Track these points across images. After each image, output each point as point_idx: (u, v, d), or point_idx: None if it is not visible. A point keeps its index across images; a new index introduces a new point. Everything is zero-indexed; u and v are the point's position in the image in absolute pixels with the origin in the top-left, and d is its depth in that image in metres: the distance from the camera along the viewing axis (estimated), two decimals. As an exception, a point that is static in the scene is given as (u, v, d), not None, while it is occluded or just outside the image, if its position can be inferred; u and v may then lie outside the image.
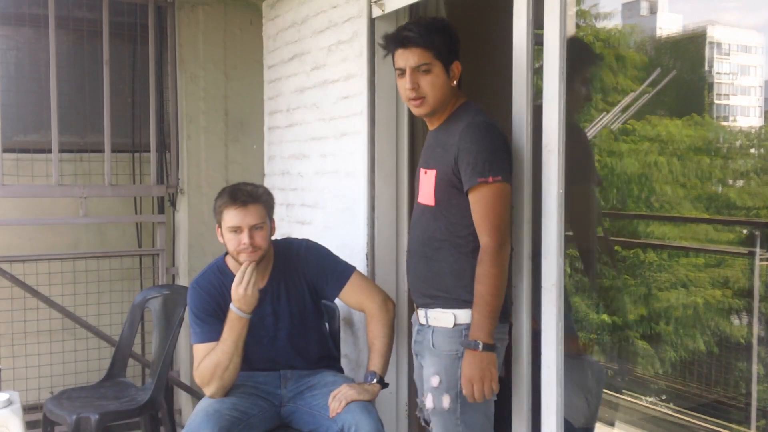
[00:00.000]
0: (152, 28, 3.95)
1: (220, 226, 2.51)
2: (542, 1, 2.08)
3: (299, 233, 3.41)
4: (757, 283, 3.38)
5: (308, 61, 3.46)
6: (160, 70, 4.06)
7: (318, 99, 3.35)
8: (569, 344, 2.58)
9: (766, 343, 3.43)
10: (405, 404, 2.91)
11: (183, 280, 4.03)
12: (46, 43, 3.69)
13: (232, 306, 2.40)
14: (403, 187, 2.94)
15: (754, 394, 3.29)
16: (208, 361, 2.41)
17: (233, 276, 2.44)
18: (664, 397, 3.96)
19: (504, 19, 2.25)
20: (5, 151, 3.68)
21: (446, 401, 2.03)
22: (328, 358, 2.68)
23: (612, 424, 3.43)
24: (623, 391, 3.78)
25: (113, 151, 3.89)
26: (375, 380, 2.41)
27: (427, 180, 2.08)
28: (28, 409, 3.29)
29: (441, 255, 2.07)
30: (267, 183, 4.03)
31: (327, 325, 2.80)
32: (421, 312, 2.15)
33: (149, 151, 4.01)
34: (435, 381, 2.05)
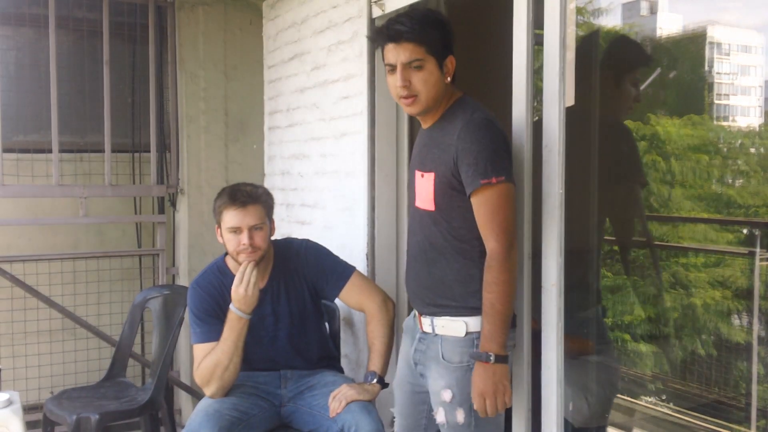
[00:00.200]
0: (152, 28, 3.95)
1: (219, 226, 2.51)
2: (542, 1, 2.08)
3: (299, 233, 3.41)
4: (757, 283, 3.38)
5: (308, 61, 3.46)
6: (160, 70, 4.06)
7: (318, 99, 3.35)
8: (582, 346, 2.60)
9: (766, 343, 3.43)
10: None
11: (183, 280, 4.03)
12: (46, 43, 3.69)
13: (232, 306, 2.40)
14: (403, 187, 2.94)
15: (754, 394, 3.29)
16: (208, 361, 2.41)
17: (233, 276, 2.44)
18: (663, 397, 3.96)
19: (504, 19, 2.25)
20: (5, 151, 3.68)
21: (460, 416, 1.91)
22: (328, 358, 2.68)
23: (612, 424, 3.43)
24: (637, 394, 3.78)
25: (113, 151, 3.89)
26: (375, 380, 2.41)
27: (425, 183, 1.95)
28: (28, 409, 3.29)
29: (445, 262, 1.96)
30: (267, 183, 4.03)
31: (327, 325, 2.80)
32: (425, 320, 2.02)
33: (149, 151, 4.01)
34: (447, 395, 1.93)
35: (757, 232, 3.58)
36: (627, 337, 3.86)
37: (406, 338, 2.18)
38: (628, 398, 3.60)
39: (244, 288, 2.38)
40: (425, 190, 1.96)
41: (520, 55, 2.17)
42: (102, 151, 3.86)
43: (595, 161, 2.62)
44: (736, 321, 3.93)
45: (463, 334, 1.93)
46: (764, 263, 3.42)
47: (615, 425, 3.26)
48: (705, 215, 4.19)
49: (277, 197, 3.20)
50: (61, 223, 4.00)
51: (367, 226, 2.93)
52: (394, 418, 2.23)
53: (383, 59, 1.98)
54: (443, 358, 1.95)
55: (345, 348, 2.99)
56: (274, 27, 3.92)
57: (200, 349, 2.46)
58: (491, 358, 1.82)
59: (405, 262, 2.39)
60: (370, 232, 2.93)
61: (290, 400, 2.53)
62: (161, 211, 4.19)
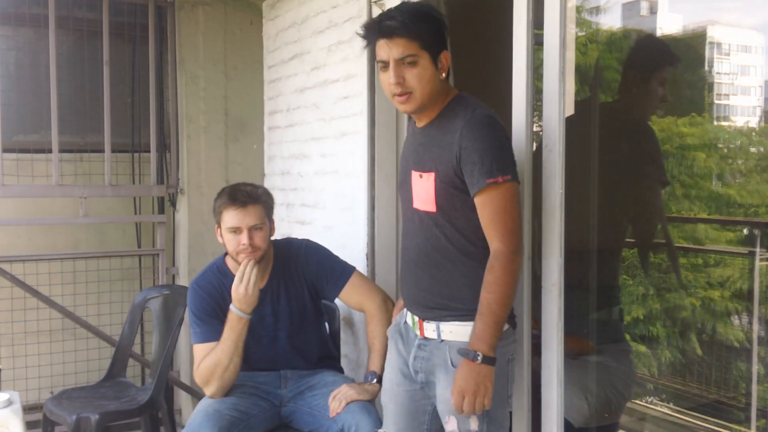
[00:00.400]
0: (152, 28, 3.95)
1: (219, 226, 2.51)
2: (542, 1, 2.08)
3: (299, 233, 3.41)
4: (757, 283, 3.38)
5: (308, 61, 3.46)
6: (160, 70, 4.06)
7: (318, 99, 3.35)
8: (583, 346, 2.60)
9: (766, 344, 3.43)
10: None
11: (183, 280, 4.03)
12: (46, 43, 3.69)
13: (232, 307, 2.40)
14: (404, 187, 2.94)
15: (754, 394, 3.29)
16: (208, 361, 2.41)
17: (233, 276, 2.44)
18: (663, 396, 3.96)
19: (504, 19, 2.25)
20: (5, 151, 3.68)
21: (474, 423, 1.85)
22: (328, 358, 2.68)
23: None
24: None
25: (113, 151, 3.89)
26: (375, 380, 2.41)
27: (425, 184, 1.88)
28: (28, 409, 3.29)
29: (450, 264, 1.89)
30: (267, 183, 4.03)
31: (327, 325, 2.80)
32: (429, 325, 1.94)
33: (149, 151, 4.01)
34: None
35: (757, 232, 3.57)
36: (627, 337, 3.87)
37: (397, 346, 2.08)
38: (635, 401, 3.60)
39: (244, 287, 2.38)
40: (425, 190, 1.89)
41: (520, 55, 2.17)
42: (102, 151, 3.86)
43: (621, 161, 2.64)
44: (735, 321, 3.93)
45: None
46: (764, 263, 3.42)
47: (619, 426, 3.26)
48: (704, 215, 4.20)
49: (277, 197, 3.20)
50: (61, 223, 4.00)
51: (367, 226, 2.93)
52: None
53: (375, 56, 1.91)
54: (453, 365, 1.86)
55: (345, 348, 2.99)
56: (274, 27, 3.92)
57: (200, 349, 2.46)
58: (479, 357, 1.77)
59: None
60: (370, 232, 2.93)
61: (290, 400, 2.53)
62: (161, 211, 4.19)
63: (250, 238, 2.43)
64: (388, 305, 2.56)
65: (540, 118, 2.12)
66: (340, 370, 2.71)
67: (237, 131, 4.17)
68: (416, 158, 1.93)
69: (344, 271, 2.61)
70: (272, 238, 2.58)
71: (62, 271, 3.92)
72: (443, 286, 1.91)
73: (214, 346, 2.42)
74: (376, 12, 2.85)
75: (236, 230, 2.44)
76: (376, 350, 2.47)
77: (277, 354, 2.58)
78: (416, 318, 1.99)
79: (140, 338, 4.03)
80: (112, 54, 3.84)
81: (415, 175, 1.92)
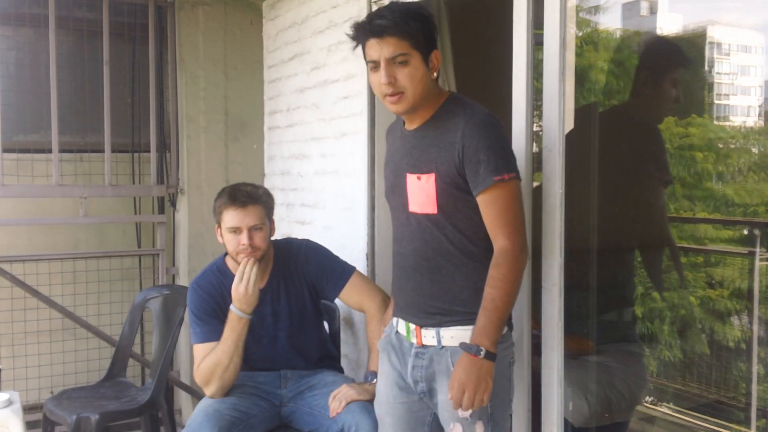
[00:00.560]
0: (152, 28, 3.95)
1: (219, 226, 2.51)
2: (542, 1, 2.08)
3: (299, 233, 3.41)
4: (756, 283, 3.38)
5: (308, 61, 3.46)
6: (160, 70, 4.06)
7: (318, 99, 3.35)
8: (583, 346, 2.61)
9: (766, 344, 3.43)
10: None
11: (183, 280, 4.03)
12: (46, 43, 3.69)
13: (232, 307, 2.40)
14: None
15: (754, 394, 3.29)
16: (209, 361, 2.41)
17: (233, 276, 2.44)
18: (663, 396, 3.97)
19: (505, 19, 2.25)
20: (5, 151, 3.68)
21: (480, 429, 1.83)
22: (328, 358, 2.68)
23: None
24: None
25: (113, 151, 3.89)
26: (375, 380, 2.41)
27: (424, 186, 1.84)
28: (28, 409, 3.28)
29: (452, 267, 1.86)
30: (267, 183, 4.03)
31: (327, 325, 2.80)
32: (427, 332, 1.90)
33: (149, 151, 4.01)
34: (466, 411, 1.83)
35: (756, 232, 3.57)
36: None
37: (389, 358, 2.03)
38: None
39: (244, 286, 2.38)
40: (424, 192, 1.85)
41: (520, 55, 2.17)
42: (102, 151, 3.86)
43: (637, 163, 2.65)
44: (735, 321, 3.94)
45: None
46: (764, 263, 3.42)
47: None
48: (703, 215, 4.20)
49: (277, 197, 3.20)
50: (61, 223, 4.00)
51: (367, 226, 2.93)
52: None
53: (364, 57, 1.88)
54: None
55: (345, 348, 2.99)
56: (274, 27, 3.92)
57: (200, 349, 2.46)
58: (481, 352, 1.75)
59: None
60: (370, 232, 2.93)
61: (290, 400, 2.53)
62: (161, 211, 4.19)
63: (250, 238, 2.43)
64: (388, 305, 2.56)
65: (540, 118, 2.12)
66: (340, 370, 2.71)
67: (237, 131, 4.17)
68: (411, 161, 1.89)
69: (344, 271, 2.61)
70: (272, 238, 2.58)
71: (62, 271, 3.92)
72: (445, 290, 1.88)
73: (214, 346, 2.42)
74: (376, 12, 2.85)
75: (236, 230, 2.44)
76: (376, 350, 2.47)
77: (277, 354, 2.58)
78: (412, 326, 1.94)
79: (140, 338, 4.03)
80: (112, 54, 3.84)
81: (411, 177, 1.88)
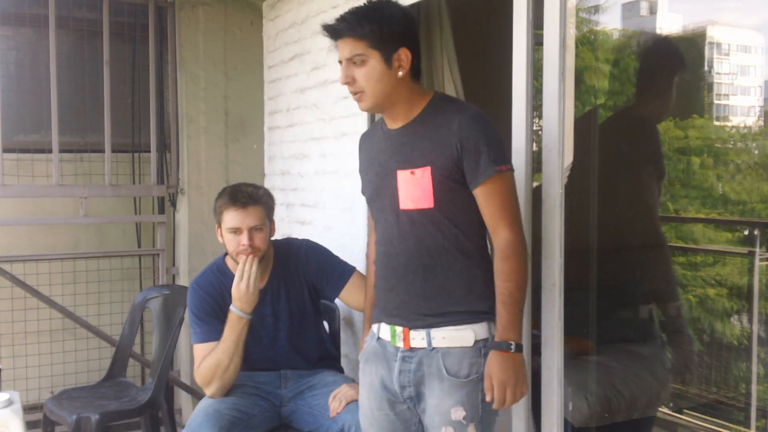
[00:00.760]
0: (152, 28, 3.95)
1: (219, 226, 2.51)
2: (542, 1, 2.08)
3: (299, 233, 3.41)
4: (756, 283, 3.38)
5: (308, 61, 3.46)
6: (160, 70, 4.06)
7: (318, 99, 3.35)
8: (583, 346, 2.62)
9: (766, 344, 3.43)
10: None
11: (183, 280, 4.03)
12: (46, 43, 3.69)
13: (232, 307, 2.40)
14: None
15: (754, 395, 3.29)
16: (209, 361, 2.41)
17: (233, 276, 2.44)
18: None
19: (506, 18, 2.25)
20: (5, 151, 3.68)
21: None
22: (328, 358, 2.68)
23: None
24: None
25: (113, 151, 3.89)
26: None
27: (419, 180, 1.82)
28: (28, 409, 3.28)
29: (446, 264, 1.84)
30: (267, 183, 4.03)
31: (327, 325, 2.80)
32: (416, 334, 1.86)
33: (149, 151, 4.01)
34: (459, 413, 1.81)
35: (756, 232, 3.58)
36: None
37: (372, 367, 1.98)
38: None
39: (245, 284, 2.38)
40: (420, 187, 1.82)
41: (520, 55, 2.18)
42: (102, 151, 3.86)
43: (651, 164, 2.68)
44: (735, 321, 3.93)
45: (471, 343, 1.82)
46: (764, 263, 3.42)
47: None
48: (702, 215, 4.20)
49: (277, 197, 3.20)
50: (61, 223, 4.00)
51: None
52: None
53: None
54: (448, 373, 1.82)
55: (345, 348, 2.99)
56: (274, 27, 3.92)
57: (200, 349, 2.47)
58: (512, 347, 1.76)
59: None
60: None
61: (290, 400, 2.53)
62: (161, 211, 4.19)
63: (251, 238, 2.43)
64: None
65: (540, 118, 2.12)
66: (340, 370, 2.71)
67: (237, 131, 4.17)
68: (401, 158, 1.87)
69: (344, 271, 2.61)
70: (272, 238, 2.58)
71: (62, 271, 3.92)
72: (439, 290, 1.85)
73: (214, 346, 2.42)
74: (376, 12, 2.85)
75: (236, 231, 2.45)
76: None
77: (277, 354, 2.58)
78: (398, 329, 1.90)
79: (140, 338, 4.03)
80: (112, 54, 3.84)
81: (403, 174, 1.85)
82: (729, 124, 4.11)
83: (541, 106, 2.10)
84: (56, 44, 3.70)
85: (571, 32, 2.09)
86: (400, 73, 1.83)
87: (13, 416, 2.55)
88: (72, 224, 4.00)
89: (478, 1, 3.34)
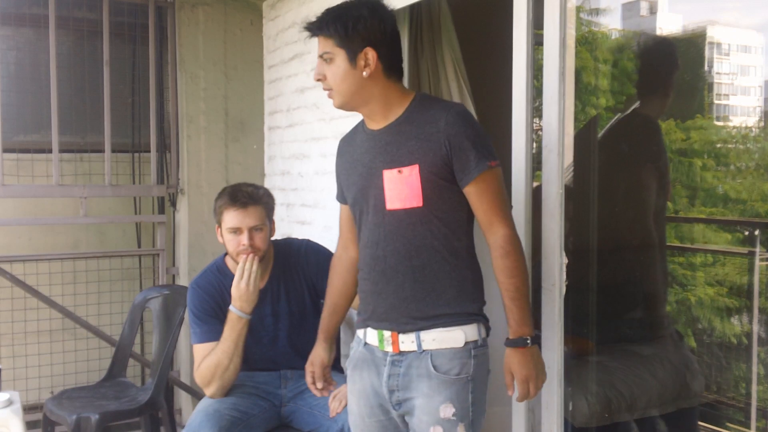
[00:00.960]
0: (152, 28, 3.95)
1: (219, 226, 2.51)
2: (542, 1, 2.08)
3: (299, 233, 3.41)
4: (756, 283, 3.38)
5: (308, 61, 3.46)
6: (160, 70, 4.06)
7: (318, 99, 3.35)
8: (583, 346, 2.64)
9: (766, 343, 3.43)
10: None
11: (183, 280, 4.03)
12: (46, 43, 3.69)
13: (232, 307, 2.40)
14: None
15: (754, 395, 3.29)
16: (209, 361, 2.41)
17: (233, 276, 2.44)
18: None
19: (507, 18, 2.25)
20: (5, 151, 3.68)
21: (461, 431, 1.80)
22: (328, 358, 2.68)
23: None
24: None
25: (113, 151, 3.89)
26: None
27: (407, 178, 1.79)
28: (28, 409, 3.29)
29: (436, 265, 1.81)
30: (267, 183, 4.03)
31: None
32: (405, 337, 1.83)
33: (149, 151, 4.01)
34: (448, 411, 1.78)
35: (756, 232, 3.58)
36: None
37: (360, 374, 1.95)
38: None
39: (245, 282, 2.38)
40: (408, 185, 1.79)
41: (520, 55, 2.18)
42: (102, 151, 3.86)
43: (662, 164, 2.71)
44: (735, 321, 3.94)
45: (461, 344, 1.80)
46: (764, 263, 3.42)
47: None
48: (702, 215, 4.20)
49: (277, 197, 3.20)
50: (61, 223, 4.00)
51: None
52: None
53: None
54: (436, 371, 1.80)
55: (345, 348, 2.99)
56: (274, 27, 3.92)
57: (200, 349, 2.47)
58: (528, 341, 1.77)
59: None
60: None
61: (290, 399, 2.53)
62: (161, 211, 4.19)
63: (251, 238, 2.43)
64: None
65: (540, 118, 2.13)
66: (340, 370, 2.71)
67: (237, 131, 4.17)
68: (386, 157, 1.84)
69: (344, 271, 2.61)
70: (272, 238, 2.58)
71: (62, 271, 3.92)
72: (429, 291, 1.82)
73: (214, 346, 2.42)
74: (376, 12, 2.85)
75: (236, 231, 2.44)
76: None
77: (277, 354, 2.58)
78: (386, 333, 1.86)
79: (140, 338, 4.03)
80: (112, 54, 3.84)
81: (389, 173, 1.82)
82: (729, 124, 4.11)
83: (541, 106, 2.10)
84: (56, 44, 3.70)
85: (571, 32, 2.09)
86: (365, 73, 1.81)
87: (13, 416, 2.55)
88: (72, 224, 4.00)
89: (478, 1, 3.34)
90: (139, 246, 4.19)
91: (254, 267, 2.40)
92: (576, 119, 2.23)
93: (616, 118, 3.02)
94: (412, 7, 2.79)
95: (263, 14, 4.10)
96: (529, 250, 2.19)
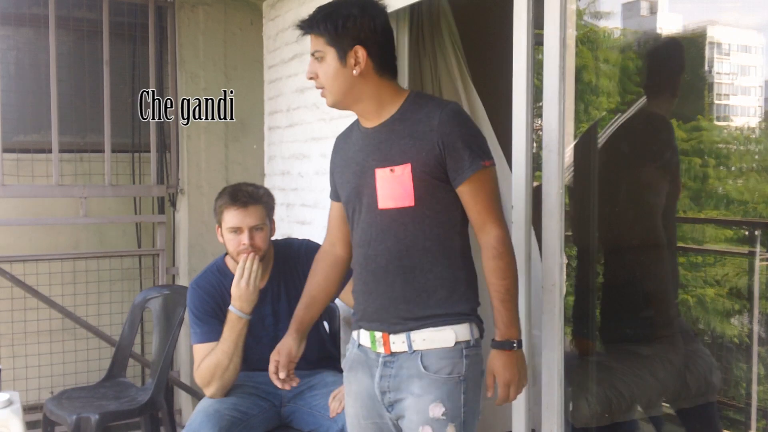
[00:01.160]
0: (152, 28, 3.95)
1: (220, 226, 2.51)
2: (542, 1, 2.08)
3: (299, 233, 3.41)
4: (757, 283, 3.38)
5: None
6: (160, 70, 4.06)
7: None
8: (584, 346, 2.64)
9: (766, 343, 3.43)
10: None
11: (183, 280, 4.03)
12: (46, 43, 3.69)
13: (231, 307, 2.40)
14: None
15: (755, 395, 3.29)
16: (208, 361, 2.41)
17: (233, 276, 2.44)
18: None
19: (507, 18, 2.25)
20: (5, 151, 3.68)
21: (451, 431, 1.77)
22: (328, 359, 2.68)
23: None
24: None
25: (113, 151, 3.89)
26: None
27: (399, 177, 1.76)
28: (28, 409, 3.29)
29: (428, 265, 1.79)
30: (267, 183, 4.03)
31: (327, 325, 2.80)
32: (396, 338, 1.81)
33: (149, 151, 4.01)
34: (438, 410, 1.75)
35: (757, 232, 3.58)
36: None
37: (356, 375, 1.94)
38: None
39: (245, 281, 2.37)
40: (400, 184, 1.77)
41: (520, 55, 2.18)
42: (102, 151, 3.86)
43: (665, 162, 2.73)
44: (735, 321, 3.94)
45: (452, 343, 1.77)
46: (764, 263, 3.42)
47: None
48: (702, 215, 4.20)
49: (277, 197, 3.20)
50: (61, 223, 4.00)
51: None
52: None
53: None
54: (427, 370, 1.77)
55: (345, 348, 2.98)
56: (274, 27, 3.92)
57: (200, 349, 2.46)
58: (515, 345, 1.76)
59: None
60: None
61: (290, 400, 2.53)
62: (161, 211, 4.19)
63: (251, 238, 2.43)
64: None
65: (540, 118, 2.13)
66: (340, 370, 2.71)
67: (237, 131, 4.17)
68: (379, 156, 1.81)
69: (344, 271, 2.61)
70: (272, 238, 2.58)
71: (62, 271, 3.92)
72: (420, 292, 1.80)
73: (214, 346, 2.42)
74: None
75: (237, 230, 2.44)
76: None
77: (277, 354, 2.57)
78: (378, 334, 1.85)
79: (140, 338, 4.03)
80: (112, 54, 3.84)
81: (381, 172, 1.79)
82: (729, 124, 4.11)
83: (541, 106, 2.10)
84: (56, 44, 3.70)
85: (571, 32, 2.09)
86: (355, 71, 1.80)
87: (13, 416, 2.55)
88: (72, 224, 4.00)
89: (478, 1, 3.34)
90: (139, 246, 4.19)
91: (255, 266, 2.40)
92: (578, 120, 2.24)
93: (625, 115, 3.02)
94: (412, 7, 2.78)
95: (263, 14, 4.10)
96: (528, 250, 2.18)
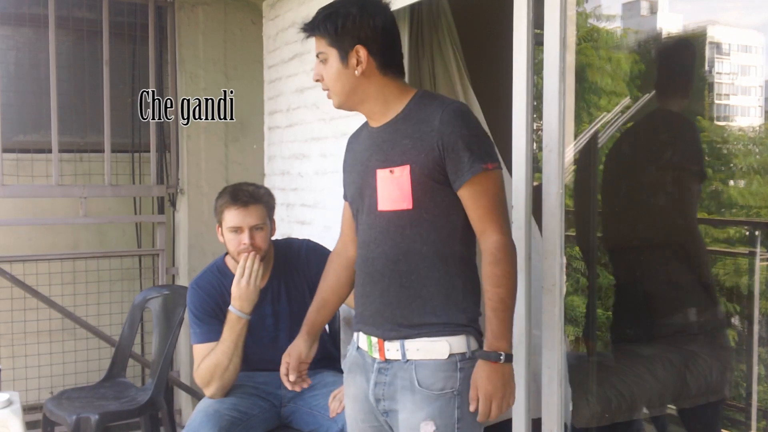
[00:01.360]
0: (152, 28, 3.95)
1: (220, 225, 2.51)
2: (542, 1, 2.08)
3: (299, 233, 3.41)
4: (757, 283, 3.38)
5: (308, 60, 3.46)
6: (160, 70, 4.06)
7: (318, 99, 3.35)
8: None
9: (766, 343, 3.43)
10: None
11: (183, 280, 4.03)
12: (46, 43, 3.69)
13: (231, 307, 2.40)
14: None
15: (755, 395, 3.29)
16: (208, 361, 2.41)
17: (233, 276, 2.43)
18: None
19: (508, 18, 2.25)
20: (5, 151, 3.68)
21: None
22: (328, 359, 2.68)
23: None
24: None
25: (113, 151, 3.89)
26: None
27: (398, 179, 1.71)
28: (28, 409, 3.28)
29: (423, 270, 1.73)
30: (267, 183, 4.03)
31: (327, 325, 2.79)
32: (391, 345, 1.76)
33: (149, 151, 4.01)
34: (429, 428, 1.69)
35: (757, 233, 3.58)
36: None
37: (355, 378, 1.90)
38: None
39: (246, 280, 2.37)
40: (398, 186, 1.71)
41: (520, 55, 2.17)
42: (102, 151, 3.86)
43: (686, 161, 2.74)
44: (734, 321, 3.94)
45: (445, 356, 1.71)
46: (764, 263, 3.42)
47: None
48: (704, 215, 4.20)
49: (277, 197, 3.20)
50: (61, 223, 4.00)
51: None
52: None
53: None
54: (420, 385, 1.71)
55: (345, 348, 2.98)
56: (274, 27, 3.92)
57: (200, 349, 2.46)
58: (502, 357, 1.65)
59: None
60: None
61: (290, 400, 2.53)
62: (161, 211, 4.19)
63: (251, 237, 2.43)
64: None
65: (540, 117, 2.12)
66: (340, 370, 2.70)
67: (237, 131, 4.17)
68: (381, 156, 1.77)
69: (344, 271, 2.60)
70: (272, 238, 2.58)
71: (62, 271, 3.92)
72: (414, 298, 1.74)
73: (213, 346, 2.42)
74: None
75: (237, 230, 2.44)
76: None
77: (277, 354, 2.55)
78: (374, 339, 1.80)
79: (140, 338, 4.03)
80: (112, 54, 3.84)
81: (382, 173, 1.75)
82: (729, 124, 4.11)
83: (541, 106, 2.10)
84: (56, 44, 3.70)
85: (571, 32, 2.09)
86: (357, 71, 1.76)
87: (13, 416, 2.55)
88: (72, 224, 4.00)
89: (478, 1, 3.34)
90: (139, 246, 4.19)
91: (255, 265, 2.40)
92: (578, 120, 2.24)
93: (645, 115, 3.01)
94: (412, 7, 2.78)
95: (263, 14, 4.10)
96: (528, 249, 2.18)
